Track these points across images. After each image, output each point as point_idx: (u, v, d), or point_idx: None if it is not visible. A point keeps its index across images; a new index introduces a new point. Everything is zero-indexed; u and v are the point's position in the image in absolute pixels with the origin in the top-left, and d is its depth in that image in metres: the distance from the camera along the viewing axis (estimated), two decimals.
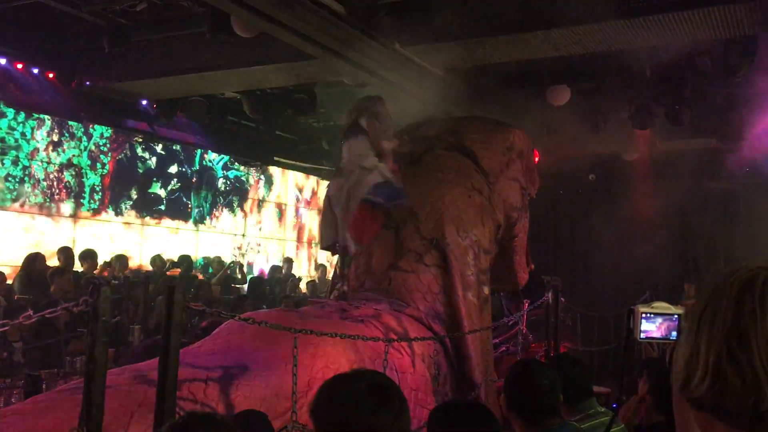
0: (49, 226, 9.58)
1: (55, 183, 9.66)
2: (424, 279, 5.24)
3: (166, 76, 8.23)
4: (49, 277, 6.89)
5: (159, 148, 11.25)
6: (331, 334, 3.76)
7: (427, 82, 7.39)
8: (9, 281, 7.66)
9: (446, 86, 7.55)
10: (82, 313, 2.75)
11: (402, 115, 6.25)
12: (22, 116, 9.17)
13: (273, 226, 13.68)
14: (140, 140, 10.78)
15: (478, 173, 5.83)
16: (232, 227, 12.63)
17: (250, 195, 13.18)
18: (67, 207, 9.84)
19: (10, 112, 9.00)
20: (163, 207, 11.32)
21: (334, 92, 8.91)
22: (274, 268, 12.12)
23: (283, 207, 14.00)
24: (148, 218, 11.03)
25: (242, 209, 12.88)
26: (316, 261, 14.08)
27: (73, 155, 9.88)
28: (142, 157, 11.01)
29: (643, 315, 2.49)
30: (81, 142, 9.98)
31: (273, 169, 13.56)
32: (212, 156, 12.26)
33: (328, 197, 5.40)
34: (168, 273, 9.67)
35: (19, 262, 7.87)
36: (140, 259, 10.64)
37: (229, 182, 12.66)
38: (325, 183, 14.48)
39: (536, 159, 7.35)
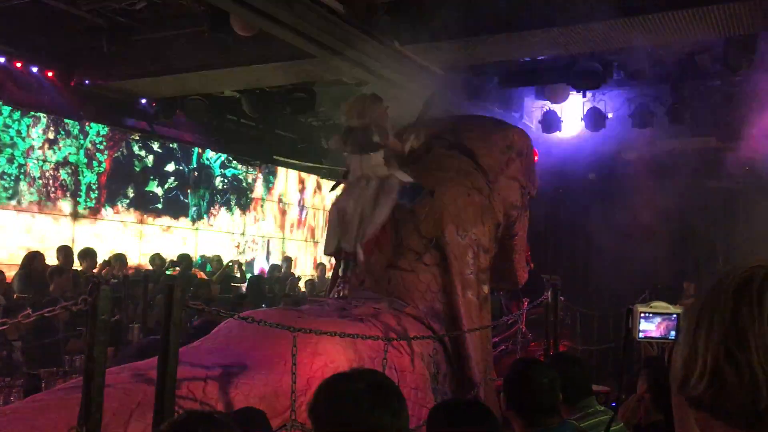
0: (49, 224, 9.58)
1: (51, 181, 9.64)
2: (423, 278, 5.24)
3: (165, 75, 8.23)
4: (48, 276, 6.90)
5: (156, 146, 11.23)
6: (331, 333, 3.76)
7: (426, 81, 7.38)
8: (8, 280, 7.66)
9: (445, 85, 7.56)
10: (81, 312, 2.75)
11: (403, 115, 6.25)
12: (17, 114, 9.14)
13: (274, 224, 13.68)
14: (137, 138, 10.75)
15: (478, 172, 5.82)
16: (230, 226, 12.62)
17: (254, 193, 13.18)
18: (66, 206, 9.83)
19: (6, 109, 8.98)
20: (160, 205, 11.31)
21: (334, 91, 8.91)
22: (274, 267, 12.12)
23: (286, 205, 13.99)
24: (146, 217, 11.03)
25: (240, 207, 12.87)
26: (315, 260, 14.09)
27: (69, 153, 9.86)
28: (138, 155, 10.98)
29: (642, 315, 2.48)
30: (77, 139, 9.96)
31: (277, 168, 13.55)
32: (210, 154, 12.25)
33: (338, 209, 5.43)
34: (170, 272, 9.66)
35: (19, 260, 7.88)
36: (138, 258, 10.64)
37: (226, 181, 12.66)
38: (325, 182, 14.51)
39: (536, 158, 7.34)
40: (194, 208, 11.90)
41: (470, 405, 2.62)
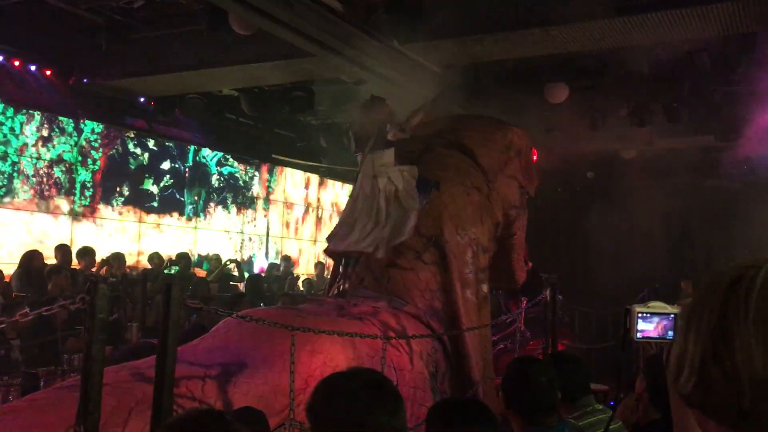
0: (47, 223, 9.56)
1: (44, 179, 9.61)
2: (422, 277, 5.24)
3: (164, 73, 8.22)
4: (46, 274, 6.88)
5: (151, 143, 11.19)
6: (329, 332, 3.76)
7: (424, 79, 7.38)
8: (6, 279, 7.66)
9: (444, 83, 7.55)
10: (80, 310, 2.75)
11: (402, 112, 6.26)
12: (10, 111, 9.10)
13: (273, 222, 13.67)
14: (132, 136, 10.72)
15: (477, 171, 5.83)
16: (227, 224, 12.61)
17: (251, 192, 13.16)
18: (64, 205, 9.81)
19: None
20: (155, 203, 11.29)
21: (332, 90, 8.90)
22: (272, 266, 12.11)
23: (285, 204, 13.98)
24: (143, 215, 11.01)
25: (237, 205, 12.85)
26: (317, 257, 14.08)
27: (64, 151, 9.82)
28: (134, 153, 10.94)
29: (640, 315, 2.47)
30: (71, 137, 9.92)
31: (276, 166, 13.54)
32: (206, 152, 12.22)
33: (354, 208, 5.48)
34: (168, 271, 9.65)
35: (17, 259, 7.87)
36: (136, 257, 10.63)
37: (222, 179, 12.64)
38: (324, 181, 14.51)
39: (535, 157, 7.34)
40: (190, 206, 11.89)
41: (469, 404, 2.63)
